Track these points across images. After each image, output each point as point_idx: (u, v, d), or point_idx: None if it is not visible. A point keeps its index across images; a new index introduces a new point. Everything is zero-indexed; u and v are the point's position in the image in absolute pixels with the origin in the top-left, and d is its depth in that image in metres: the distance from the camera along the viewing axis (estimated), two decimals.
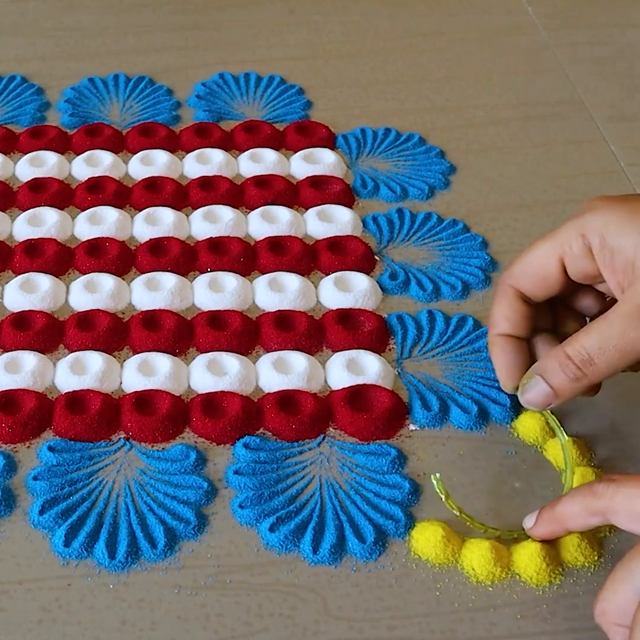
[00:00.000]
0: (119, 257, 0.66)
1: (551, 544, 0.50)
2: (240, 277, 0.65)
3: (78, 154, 0.75)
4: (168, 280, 0.64)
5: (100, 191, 0.71)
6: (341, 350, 0.61)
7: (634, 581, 0.43)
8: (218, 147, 0.75)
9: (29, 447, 0.56)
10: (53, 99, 0.81)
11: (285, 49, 0.88)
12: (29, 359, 0.59)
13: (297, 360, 0.59)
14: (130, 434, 0.56)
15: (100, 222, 0.68)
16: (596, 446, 0.56)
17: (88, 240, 0.67)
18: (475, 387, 0.59)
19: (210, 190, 0.71)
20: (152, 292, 0.64)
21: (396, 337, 0.62)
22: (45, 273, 0.65)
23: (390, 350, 0.61)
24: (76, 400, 0.57)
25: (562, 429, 0.54)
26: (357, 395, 0.58)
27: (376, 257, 0.67)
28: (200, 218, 0.69)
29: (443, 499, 0.50)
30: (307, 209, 0.71)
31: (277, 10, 0.93)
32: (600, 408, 0.58)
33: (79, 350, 0.60)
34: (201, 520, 0.52)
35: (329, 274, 0.66)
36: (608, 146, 0.78)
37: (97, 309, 0.62)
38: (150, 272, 0.65)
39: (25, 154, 0.75)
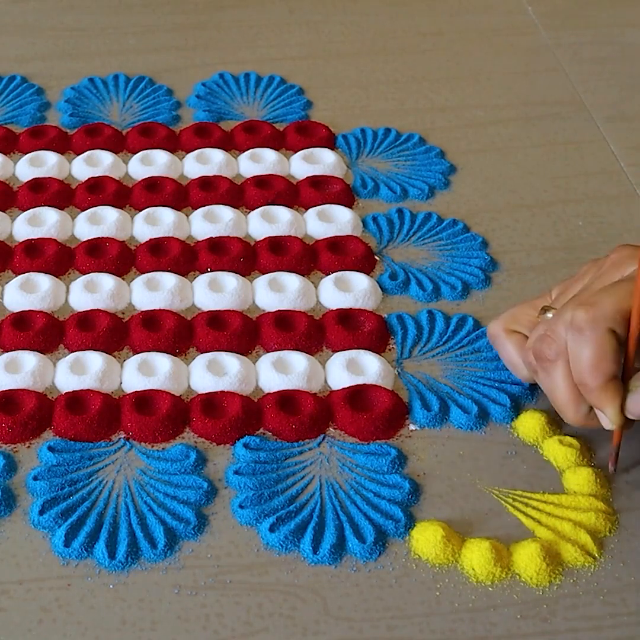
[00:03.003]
0: (119, 257, 0.66)
1: (554, 542, 0.50)
2: (240, 277, 0.65)
3: (78, 154, 0.75)
4: (168, 280, 0.64)
5: (100, 191, 0.71)
6: (341, 350, 0.61)
7: (531, 303, 0.55)
8: (218, 147, 0.75)
9: (29, 447, 0.56)
10: (53, 99, 0.81)
11: (285, 49, 0.88)
12: (29, 359, 0.59)
13: (297, 360, 0.59)
14: (130, 434, 0.56)
15: (100, 222, 0.68)
16: (596, 446, 0.56)
17: (88, 240, 0.67)
18: (475, 387, 0.59)
19: (210, 190, 0.71)
20: (152, 292, 0.64)
21: (396, 337, 0.62)
22: (45, 273, 0.65)
23: (390, 350, 0.61)
24: (76, 400, 0.57)
25: None
26: (357, 395, 0.58)
27: (376, 257, 0.67)
28: (200, 218, 0.69)
29: None
30: (307, 209, 0.71)
31: (277, 10, 0.93)
32: None
33: (79, 350, 0.60)
34: (201, 520, 0.52)
35: (329, 274, 0.66)
36: (608, 146, 0.78)
37: (97, 309, 0.62)
38: (150, 272, 0.65)
39: (25, 154, 0.75)
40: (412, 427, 0.57)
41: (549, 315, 0.53)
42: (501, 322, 0.57)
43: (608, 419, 0.51)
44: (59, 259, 0.66)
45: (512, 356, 0.56)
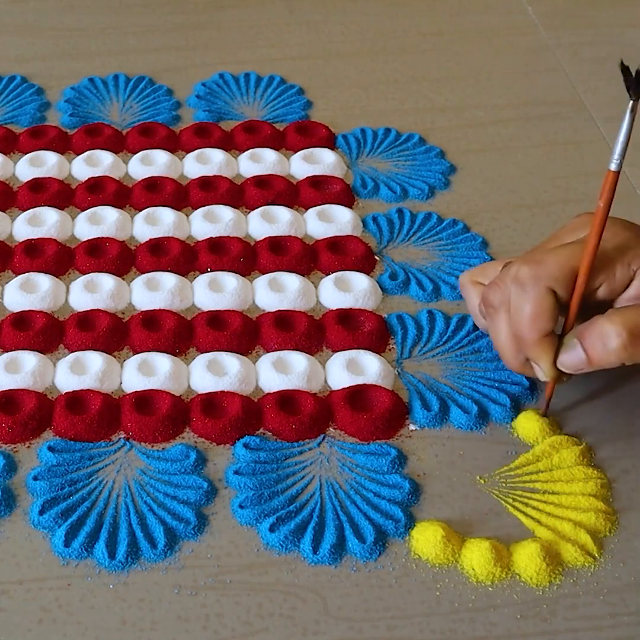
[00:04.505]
0: (119, 257, 0.66)
1: (552, 541, 0.50)
2: (240, 277, 0.65)
3: (78, 154, 0.75)
4: (168, 280, 0.64)
5: (100, 191, 0.71)
6: (341, 350, 0.61)
7: (503, 260, 0.57)
8: (218, 147, 0.75)
9: (29, 447, 0.56)
10: (53, 99, 0.81)
11: (285, 49, 0.88)
12: (29, 359, 0.59)
13: (297, 360, 0.59)
14: (130, 434, 0.56)
15: (100, 222, 0.68)
16: (596, 446, 0.56)
17: (88, 240, 0.67)
18: (475, 387, 0.59)
19: (210, 190, 0.71)
20: (152, 292, 0.64)
21: (396, 337, 0.62)
22: (45, 273, 0.65)
23: (390, 350, 0.61)
24: (76, 400, 0.57)
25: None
26: (357, 395, 0.58)
27: (376, 257, 0.67)
28: (200, 218, 0.69)
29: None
30: (307, 209, 0.71)
31: (277, 10, 0.93)
32: (600, 408, 0.58)
33: (79, 350, 0.60)
34: (201, 520, 0.52)
35: (329, 274, 0.66)
36: (608, 146, 0.78)
37: (97, 309, 0.62)
38: (150, 272, 0.65)
39: (25, 154, 0.75)
40: (412, 427, 0.57)
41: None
42: (469, 274, 0.60)
43: (542, 371, 0.53)
44: (59, 259, 0.66)
45: (474, 306, 0.59)
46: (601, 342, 0.50)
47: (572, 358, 0.52)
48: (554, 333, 0.52)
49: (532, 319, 0.52)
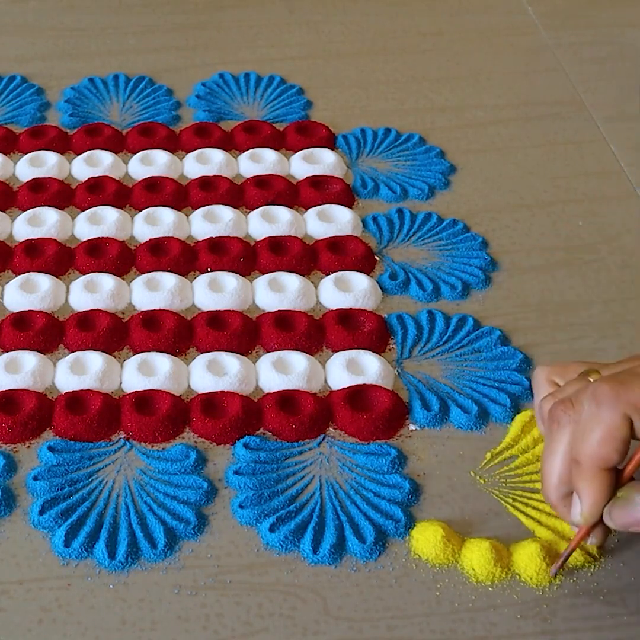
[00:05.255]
0: (119, 257, 0.66)
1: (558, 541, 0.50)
2: (240, 277, 0.65)
3: (78, 154, 0.75)
4: (168, 280, 0.64)
5: (100, 191, 0.71)
6: (341, 350, 0.61)
7: (589, 363, 0.50)
8: (218, 147, 0.75)
9: (29, 447, 0.56)
10: (53, 99, 0.81)
11: (285, 49, 0.88)
12: (29, 359, 0.59)
13: (297, 360, 0.59)
14: (130, 434, 0.56)
15: (100, 222, 0.68)
16: None
17: (88, 240, 0.67)
18: (475, 387, 0.59)
19: (210, 190, 0.71)
20: (152, 292, 0.64)
21: (396, 337, 0.62)
22: (45, 273, 0.65)
23: (390, 350, 0.61)
24: (76, 400, 0.57)
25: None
26: (357, 395, 0.58)
27: (376, 257, 0.67)
28: (200, 218, 0.69)
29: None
30: (307, 209, 0.71)
31: (277, 10, 0.93)
32: None
33: (79, 350, 0.60)
34: (201, 520, 0.52)
35: (329, 274, 0.66)
36: (608, 146, 0.78)
37: (97, 309, 0.62)
38: (150, 272, 0.65)
39: (25, 154, 0.75)
40: (412, 427, 0.57)
41: (590, 379, 0.48)
42: (548, 370, 0.52)
43: (581, 511, 0.46)
44: (59, 259, 0.66)
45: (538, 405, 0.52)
46: None
47: (629, 515, 0.45)
48: (615, 472, 0.46)
49: (599, 444, 0.45)
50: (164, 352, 0.60)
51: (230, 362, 0.59)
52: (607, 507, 0.46)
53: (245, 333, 0.61)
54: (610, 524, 0.46)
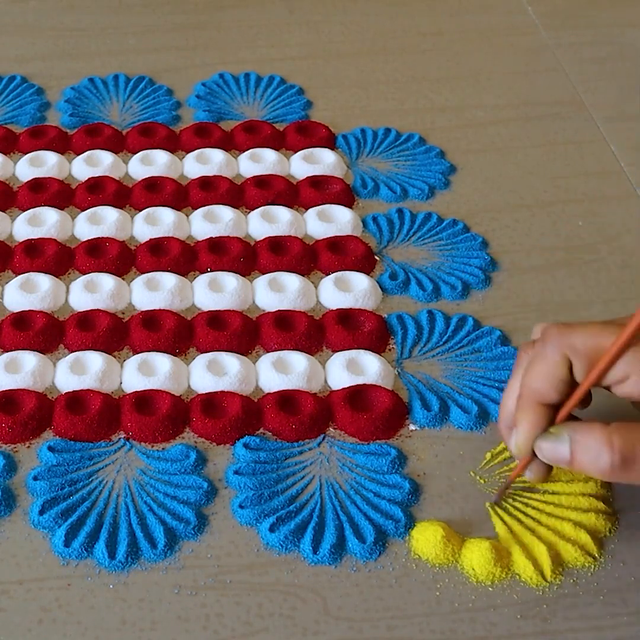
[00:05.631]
0: (119, 257, 0.66)
1: (552, 542, 0.50)
2: (240, 277, 0.65)
3: (78, 154, 0.75)
4: (168, 280, 0.64)
5: (100, 191, 0.71)
6: (341, 350, 0.61)
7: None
8: (218, 147, 0.75)
9: (29, 447, 0.56)
10: (53, 99, 0.81)
11: (285, 49, 0.88)
12: (29, 359, 0.59)
13: (297, 360, 0.59)
14: (130, 434, 0.56)
15: (100, 222, 0.68)
16: None
17: (88, 240, 0.67)
18: (475, 387, 0.59)
19: (210, 190, 0.71)
20: (152, 292, 0.64)
21: (396, 337, 0.62)
22: (45, 273, 0.65)
23: (390, 350, 0.61)
24: (76, 400, 0.57)
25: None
26: (357, 395, 0.58)
27: (376, 257, 0.67)
28: (200, 218, 0.69)
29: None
30: (307, 209, 0.71)
31: (277, 10, 0.93)
32: (600, 407, 0.58)
33: (79, 350, 0.60)
34: (201, 520, 0.52)
35: (329, 274, 0.66)
36: (608, 146, 0.78)
37: (97, 309, 0.62)
38: (150, 272, 0.65)
39: (25, 154, 0.75)
40: (412, 427, 0.57)
41: None
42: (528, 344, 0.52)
43: (514, 443, 0.49)
44: (59, 259, 0.66)
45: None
46: (592, 455, 0.46)
47: (554, 451, 0.47)
48: (549, 410, 0.48)
49: (538, 378, 0.48)
50: (164, 352, 0.60)
51: (230, 362, 0.59)
52: (537, 440, 0.48)
53: (245, 333, 0.61)
54: (539, 455, 0.48)
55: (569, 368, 0.48)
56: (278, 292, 0.64)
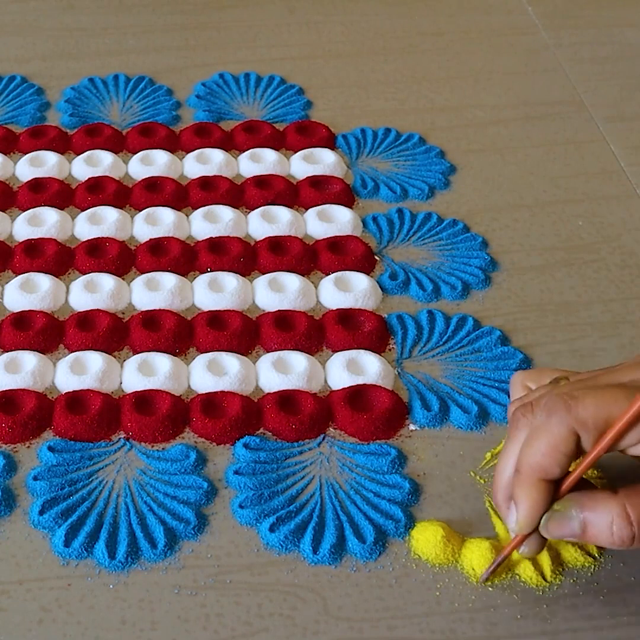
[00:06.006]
0: (119, 257, 0.66)
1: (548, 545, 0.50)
2: (240, 277, 0.65)
3: (78, 154, 0.75)
4: (168, 280, 0.64)
5: (100, 191, 0.71)
6: (341, 350, 0.61)
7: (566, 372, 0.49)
8: (218, 147, 0.75)
9: (29, 447, 0.56)
10: (53, 99, 0.81)
11: (285, 49, 0.88)
12: (29, 359, 0.59)
13: (297, 360, 0.59)
14: (130, 434, 0.56)
15: (100, 222, 0.68)
16: None
17: (88, 240, 0.67)
18: (475, 387, 0.59)
19: (210, 190, 0.71)
20: (152, 292, 0.64)
21: (396, 337, 0.62)
22: (45, 273, 0.65)
23: (390, 350, 0.61)
24: (76, 400, 0.57)
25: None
26: (357, 395, 0.58)
27: (376, 257, 0.67)
28: (200, 218, 0.69)
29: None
30: (307, 209, 0.71)
31: (277, 10, 0.93)
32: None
33: (79, 350, 0.60)
34: (201, 520, 0.52)
35: (329, 274, 0.66)
36: (608, 146, 0.78)
37: (97, 309, 0.62)
38: (150, 272, 0.65)
39: (25, 154, 0.75)
40: (412, 427, 0.57)
41: (561, 384, 0.48)
42: (523, 374, 0.52)
43: (517, 519, 0.46)
44: (59, 259, 0.66)
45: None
46: (607, 527, 0.44)
47: (563, 529, 0.45)
48: (554, 484, 0.46)
49: (542, 454, 0.45)
50: (164, 352, 0.60)
51: (230, 362, 0.59)
52: (543, 518, 0.46)
53: (245, 333, 0.61)
54: (546, 534, 0.46)
55: (576, 442, 0.45)
56: (278, 292, 0.64)
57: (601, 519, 0.44)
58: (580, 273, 0.67)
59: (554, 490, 0.46)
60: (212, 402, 0.57)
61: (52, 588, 0.49)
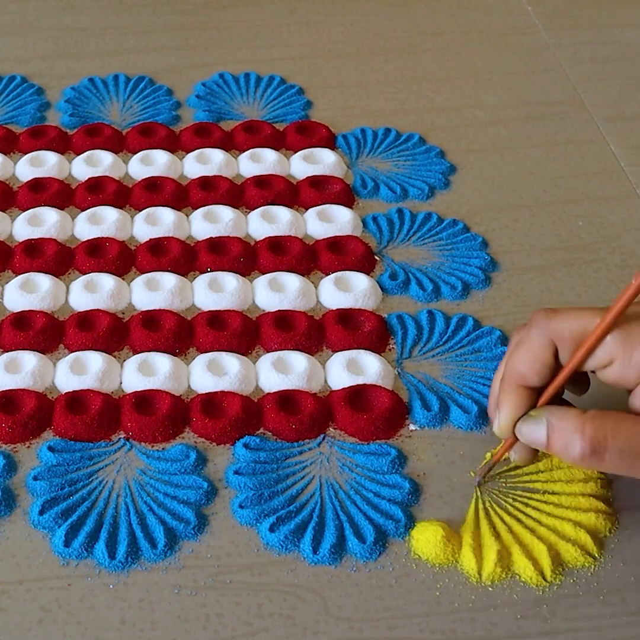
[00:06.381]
0: (119, 257, 0.66)
1: (551, 541, 0.50)
2: (240, 277, 0.65)
3: (78, 154, 0.75)
4: (168, 280, 0.64)
5: (100, 191, 0.71)
6: (341, 350, 0.61)
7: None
8: (218, 147, 0.75)
9: (29, 447, 0.56)
10: (53, 99, 0.81)
11: (285, 49, 0.88)
12: (29, 359, 0.59)
13: (297, 360, 0.59)
14: (130, 434, 0.56)
15: (100, 222, 0.68)
16: None
17: (88, 240, 0.67)
18: (475, 387, 0.59)
19: (210, 190, 0.71)
20: (152, 292, 0.64)
21: (396, 337, 0.62)
22: (45, 273, 0.65)
23: (390, 350, 0.61)
24: (76, 400, 0.57)
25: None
26: (357, 395, 0.58)
27: (376, 257, 0.67)
28: (200, 218, 0.69)
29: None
30: (307, 209, 0.71)
31: (277, 10, 0.93)
32: (599, 408, 0.58)
33: (79, 350, 0.60)
34: (201, 520, 0.52)
35: (329, 274, 0.66)
36: (608, 146, 0.78)
37: (97, 309, 0.62)
38: (150, 272, 0.65)
39: (25, 154, 0.75)
40: (412, 427, 0.57)
41: None
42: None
43: (497, 424, 0.50)
44: (59, 259, 0.66)
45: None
46: (564, 441, 0.46)
47: (532, 433, 0.48)
48: (532, 393, 0.49)
49: (521, 362, 0.49)
50: (164, 352, 0.60)
51: (230, 362, 0.59)
52: (518, 422, 0.49)
53: (245, 333, 0.61)
54: (520, 437, 0.49)
55: (553, 353, 0.48)
56: (278, 292, 0.64)
57: (561, 431, 0.47)
58: (580, 273, 0.67)
59: (535, 400, 0.49)
60: (212, 402, 0.57)
61: (52, 588, 0.49)
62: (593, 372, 0.49)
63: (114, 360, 0.60)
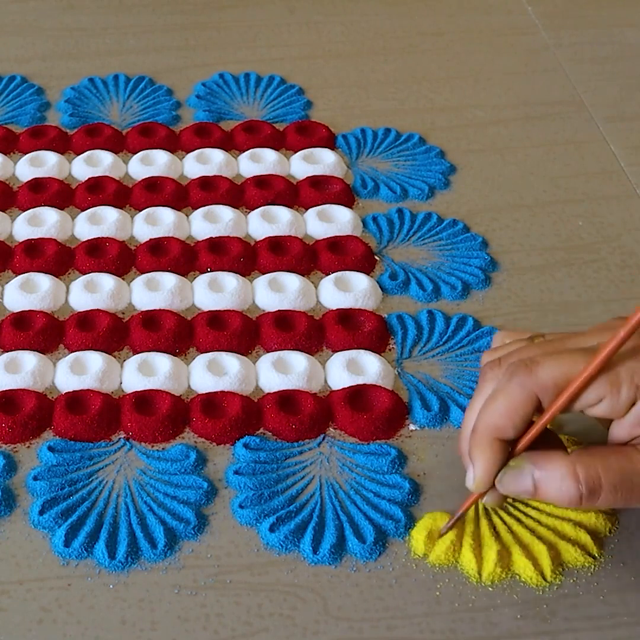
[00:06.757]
0: (119, 257, 0.66)
1: (551, 543, 0.50)
2: (240, 277, 0.65)
3: (78, 154, 0.75)
4: (168, 280, 0.64)
5: (100, 191, 0.71)
6: (341, 350, 0.61)
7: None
8: (218, 147, 0.75)
9: (29, 447, 0.56)
10: (53, 99, 0.81)
11: (285, 49, 0.88)
12: (29, 359, 0.59)
13: (297, 360, 0.59)
14: (130, 434, 0.56)
15: (100, 222, 0.68)
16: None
17: (88, 240, 0.67)
18: (475, 387, 0.59)
19: (210, 190, 0.71)
20: (152, 292, 0.64)
21: (396, 337, 0.62)
22: (45, 273, 0.65)
23: (390, 350, 0.61)
24: (76, 400, 0.57)
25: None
26: (357, 395, 0.58)
27: (376, 257, 0.67)
28: (200, 218, 0.69)
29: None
30: (307, 209, 0.71)
31: (277, 10, 0.93)
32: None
33: (79, 350, 0.60)
34: (201, 520, 0.52)
35: (329, 274, 0.66)
36: (608, 146, 0.78)
37: (97, 309, 0.62)
38: (150, 272, 0.65)
39: (25, 154, 0.75)
40: (412, 427, 0.57)
41: (535, 342, 0.49)
42: (504, 333, 0.52)
43: (474, 477, 0.47)
44: (59, 259, 0.66)
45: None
46: (556, 487, 0.45)
47: (517, 484, 0.46)
48: (508, 444, 0.47)
49: (499, 415, 0.46)
50: (164, 352, 0.60)
51: (230, 362, 0.59)
52: (499, 474, 0.47)
53: (245, 333, 0.61)
54: (501, 489, 0.47)
55: (534, 406, 0.46)
56: (278, 292, 0.64)
57: (552, 478, 0.45)
58: (580, 273, 0.67)
59: (510, 450, 0.47)
60: (212, 402, 0.57)
61: (52, 588, 0.49)
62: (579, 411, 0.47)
63: (114, 360, 0.60)
